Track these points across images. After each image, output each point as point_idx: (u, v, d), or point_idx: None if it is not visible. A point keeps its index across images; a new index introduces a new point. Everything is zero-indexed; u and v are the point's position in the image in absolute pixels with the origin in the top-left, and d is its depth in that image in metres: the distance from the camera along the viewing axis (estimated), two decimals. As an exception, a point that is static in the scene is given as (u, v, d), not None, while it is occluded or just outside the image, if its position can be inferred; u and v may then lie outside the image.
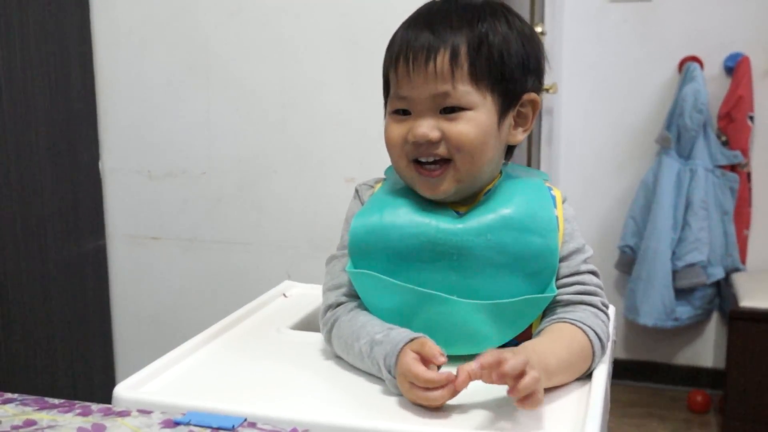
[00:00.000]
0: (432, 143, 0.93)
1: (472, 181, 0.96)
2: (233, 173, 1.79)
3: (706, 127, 2.79)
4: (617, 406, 2.93)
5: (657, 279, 2.80)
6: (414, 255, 0.94)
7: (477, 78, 0.93)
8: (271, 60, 1.73)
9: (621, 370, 3.10)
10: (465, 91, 0.93)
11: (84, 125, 1.80)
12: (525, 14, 2.56)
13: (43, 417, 0.82)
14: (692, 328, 3.00)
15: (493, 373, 0.79)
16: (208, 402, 0.84)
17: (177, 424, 0.79)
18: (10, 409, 0.84)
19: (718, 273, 2.82)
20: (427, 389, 0.83)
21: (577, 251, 0.99)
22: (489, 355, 0.80)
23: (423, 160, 0.95)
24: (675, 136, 2.80)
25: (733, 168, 2.82)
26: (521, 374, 0.79)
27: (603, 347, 0.94)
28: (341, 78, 1.67)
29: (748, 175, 2.84)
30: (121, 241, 1.89)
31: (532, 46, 0.99)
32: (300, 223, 1.75)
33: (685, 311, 2.85)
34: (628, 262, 2.96)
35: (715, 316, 2.98)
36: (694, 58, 2.83)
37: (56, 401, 0.86)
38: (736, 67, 2.78)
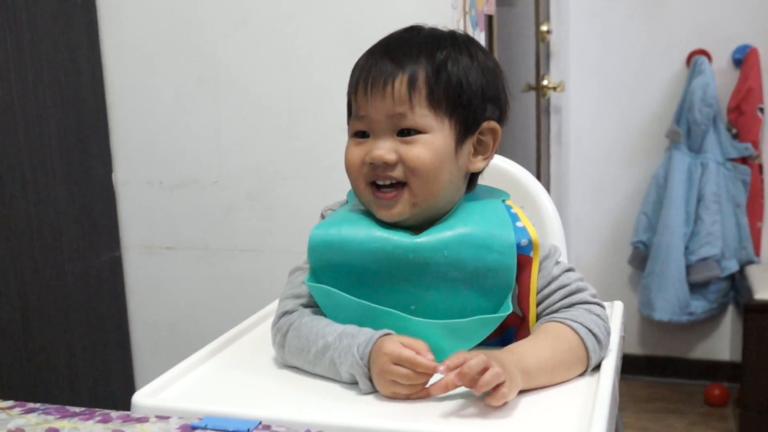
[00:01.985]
0: (388, 165, 0.94)
1: (428, 206, 0.96)
2: (244, 182, 1.81)
3: (716, 120, 2.79)
4: (634, 401, 2.93)
5: (671, 274, 2.80)
6: (372, 270, 0.94)
7: (435, 103, 0.94)
8: (278, 69, 1.74)
9: (637, 366, 3.10)
10: (422, 114, 0.94)
11: (96, 139, 1.81)
12: (530, 13, 2.57)
13: (65, 425, 0.84)
14: (708, 322, 2.99)
15: (454, 375, 0.82)
16: (224, 407, 0.86)
17: (194, 428, 0.80)
18: (32, 418, 0.86)
19: (732, 266, 2.82)
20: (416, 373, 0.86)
21: (546, 258, 0.99)
22: (454, 357, 0.83)
23: (380, 182, 0.96)
24: (685, 130, 2.80)
25: (744, 160, 2.82)
26: (483, 371, 0.82)
27: (599, 342, 0.94)
28: (347, 85, 1.69)
29: (760, 167, 2.84)
30: (136, 252, 1.91)
31: (493, 76, 1.00)
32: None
33: (700, 305, 2.85)
34: (641, 257, 2.97)
35: (730, 310, 2.98)
36: (702, 52, 2.83)
37: (77, 409, 0.88)
38: (744, 59, 2.78)
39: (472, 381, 0.82)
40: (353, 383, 0.92)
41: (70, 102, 1.72)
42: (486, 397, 0.84)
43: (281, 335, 0.99)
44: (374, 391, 0.90)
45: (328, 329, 0.94)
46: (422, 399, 0.88)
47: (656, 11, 2.90)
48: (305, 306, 1.01)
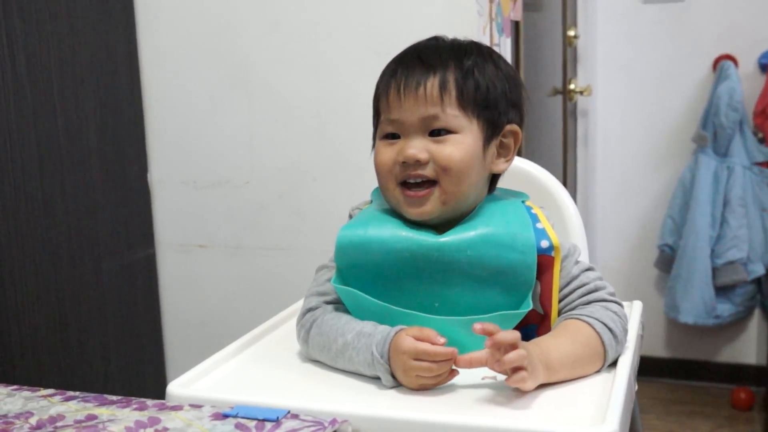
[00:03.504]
0: (420, 164, 0.97)
1: (456, 204, 0.99)
2: (274, 182, 1.83)
3: (742, 124, 2.78)
4: (660, 403, 2.93)
5: (697, 277, 2.79)
6: (397, 268, 0.97)
7: (464, 103, 0.98)
8: (308, 72, 1.77)
9: (663, 369, 3.10)
10: (453, 114, 0.97)
11: (133, 140, 1.85)
12: (557, 18, 2.59)
13: (103, 412, 0.87)
14: (734, 326, 2.98)
15: (487, 341, 0.86)
16: (254, 397, 0.89)
17: (226, 416, 0.84)
18: (73, 405, 0.90)
19: (758, 270, 2.79)
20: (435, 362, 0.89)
21: (565, 257, 1.01)
22: (490, 325, 0.87)
23: (411, 181, 0.99)
24: (711, 134, 2.79)
25: (770, 164, 2.82)
26: (511, 348, 0.86)
27: (616, 338, 0.96)
28: (374, 88, 1.72)
29: (786, 171, 2.83)
30: (170, 250, 1.94)
31: (515, 82, 1.04)
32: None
33: (726, 308, 2.83)
34: (667, 260, 2.95)
35: (756, 313, 2.96)
36: (729, 57, 2.82)
37: (114, 398, 0.91)
38: (771, 65, 2.78)
39: (497, 353, 0.86)
40: (375, 377, 0.95)
41: (108, 104, 1.76)
42: (506, 379, 0.87)
43: (305, 331, 1.03)
44: (397, 385, 0.93)
45: (347, 327, 0.98)
46: (446, 386, 0.92)
47: (683, 16, 2.89)
48: (329, 303, 1.04)
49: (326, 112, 1.78)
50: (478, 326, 0.87)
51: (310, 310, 1.04)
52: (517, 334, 0.87)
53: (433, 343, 0.90)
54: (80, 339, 1.70)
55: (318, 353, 1.01)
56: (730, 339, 3.02)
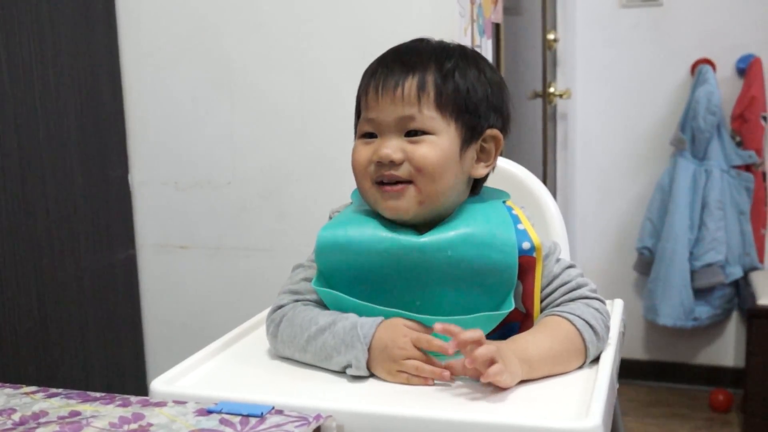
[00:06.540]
0: (394, 164, 0.97)
1: (432, 206, 0.99)
2: (256, 182, 1.83)
3: (720, 128, 2.82)
4: (639, 406, 2.95)
5: (675, 279, 2.82)
6: (378, 269, 0.97)
7: (442, 106, 0.98)
8: (291, 73, 1.77)
9: (642, 371, 3.12)
10: (430, 116, 0.97)
11: (113, 141, 1.85)
12: (536, 21, 2.61)
13: (87, 408, 0.87)
14: (712, 328, 3.01)
15: (450, 343, 0.87)
16: (238, 393, 0.89)
17: (210, 412, 0.84)
18: (56, 402, 0.90)
19: (736, 272, 2.83)
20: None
21: (546, 256, 1.01)
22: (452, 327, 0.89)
23: (385, 181, 0.98)
24: (689, 137, 2.82)
25: (748, 168, 2.84)
26: (477, 344, 0.87)
27: (597, 334, 0.97)
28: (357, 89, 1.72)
29: (764, 174, 2.86)
30: (151, 251, 1.94)
31: (498, 88, 1.03)
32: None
33: (704, 311, 2.86)
34: (646, 263, 2.98)
35: (734, 315, 2.99)
36: (707, 61, 2.86)
37: (98, 395, 0.91)
38: (748, 69, 2.81)
39: (466, 352, 0.88)
40: (339, 371, 0.95)
41: (89, 104, 1.75)
42: (482, 377, 0.87)
43: (275, 325, 1.02)
44: (368, 375, 0.94)
45: (320, 316, 0.98)
46: (428, 385, 0.92)
47: (661, 21, 2.93)
48: (300, 302, 1.04)
49: (309, 112, 1.78)
50: (438, 326, 0.88)
51: (280, 307, 1.04)
52: (479, 332, 0.87)
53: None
54: (60, 339, 1.69)
55: (287, 346, 1.00)
56: (708, 341, 3.05)
